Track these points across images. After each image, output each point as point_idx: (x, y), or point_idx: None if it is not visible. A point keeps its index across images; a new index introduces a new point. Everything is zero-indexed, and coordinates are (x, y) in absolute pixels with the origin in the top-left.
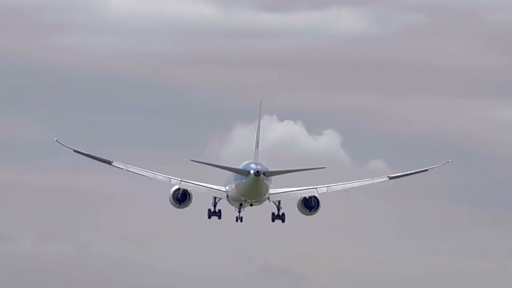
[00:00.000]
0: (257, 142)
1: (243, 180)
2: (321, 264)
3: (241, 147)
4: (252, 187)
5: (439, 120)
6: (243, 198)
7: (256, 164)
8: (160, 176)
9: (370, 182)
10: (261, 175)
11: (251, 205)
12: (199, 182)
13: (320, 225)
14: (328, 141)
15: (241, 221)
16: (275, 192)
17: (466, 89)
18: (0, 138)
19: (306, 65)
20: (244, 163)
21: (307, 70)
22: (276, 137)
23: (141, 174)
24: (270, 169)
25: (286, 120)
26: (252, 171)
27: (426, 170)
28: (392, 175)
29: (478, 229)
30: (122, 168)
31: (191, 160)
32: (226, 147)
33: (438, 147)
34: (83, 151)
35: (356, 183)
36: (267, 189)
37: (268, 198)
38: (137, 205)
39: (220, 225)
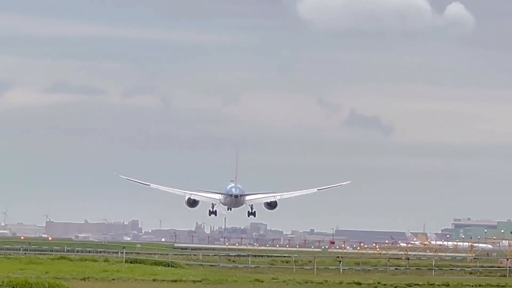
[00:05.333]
0: (236, 178)
1: (228, 198)
2: None
3: None
4: (232, 202)
5: None
6: (229, 206)
7: (236, 189)
8: (179, 192)
9: (304, 193)
10: (238, 196)
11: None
12: (203, 193)
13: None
14: None
15: (231, 210)
16: (249, 199)
17: None
18: None
19: None
20: (229, 186)
21: None
22: None
23: (168, 192)
24: (245, 192)
25: None
26: (233, 195)
27: (348, 182)
28: (319, 188)
29: None
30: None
31: (198, 190)
32: None
33: None
34: (130, 178)
35: (297, 193)
36: (243, 201)
37: (245, 203)
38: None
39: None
